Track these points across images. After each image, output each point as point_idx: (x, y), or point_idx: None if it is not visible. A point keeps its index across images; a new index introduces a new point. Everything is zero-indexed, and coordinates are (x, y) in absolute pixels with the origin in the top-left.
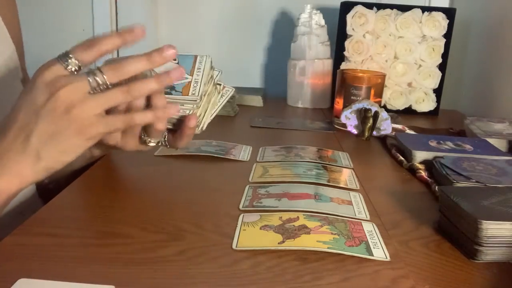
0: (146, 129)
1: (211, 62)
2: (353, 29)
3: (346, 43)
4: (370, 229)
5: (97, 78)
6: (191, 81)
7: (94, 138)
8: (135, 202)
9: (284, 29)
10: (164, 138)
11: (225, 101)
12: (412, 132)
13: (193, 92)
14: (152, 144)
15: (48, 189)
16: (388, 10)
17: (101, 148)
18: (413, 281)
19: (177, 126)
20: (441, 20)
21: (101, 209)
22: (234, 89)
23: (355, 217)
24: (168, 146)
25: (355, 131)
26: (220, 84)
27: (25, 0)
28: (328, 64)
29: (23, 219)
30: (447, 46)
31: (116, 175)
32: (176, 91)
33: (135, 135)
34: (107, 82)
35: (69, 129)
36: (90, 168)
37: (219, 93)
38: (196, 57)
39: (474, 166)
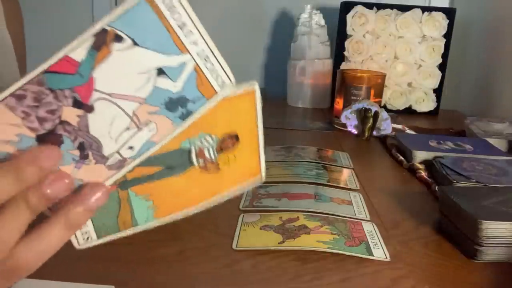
0: None
1: None
2: (353, 29)
3: (346, 43)
4: (370, 229)
5: None
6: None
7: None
8: None
9: (284, 29)
10: None
11: None
12: (412, 132)
13: None
14: None
15: None
16: (388, 10)
17: None
18: (413, 281)
19: None
20: (441, 20)
21: None
22: None
23: (355, 217)
24: None
25: (355, 131)
26: None
27: (25, 1)
28: (328, 64)
29: None
30: (447, 46)
31: None
32: None
33: None
34: None
35: None
36: None
37: None
38: None
39: (474, 166)
